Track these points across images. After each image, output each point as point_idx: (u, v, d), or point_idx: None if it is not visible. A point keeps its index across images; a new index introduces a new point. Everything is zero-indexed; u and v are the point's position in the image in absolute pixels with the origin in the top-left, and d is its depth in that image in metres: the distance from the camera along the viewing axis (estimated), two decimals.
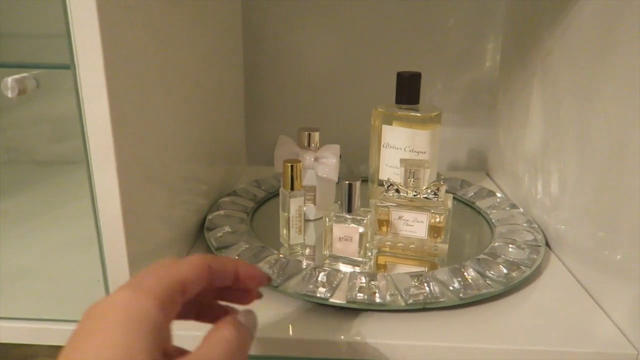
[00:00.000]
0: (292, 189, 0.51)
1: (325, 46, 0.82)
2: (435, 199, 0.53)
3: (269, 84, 0.85)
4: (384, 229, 0.55)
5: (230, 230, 0.55)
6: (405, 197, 0.54)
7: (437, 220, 0.53)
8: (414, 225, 0.54)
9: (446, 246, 0.54)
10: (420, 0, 0.79)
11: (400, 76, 0.61)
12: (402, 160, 0.55)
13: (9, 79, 0.38)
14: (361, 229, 0.49)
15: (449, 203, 0.53)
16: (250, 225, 0.59)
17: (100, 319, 0.25)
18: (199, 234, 0.58)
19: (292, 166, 0.50)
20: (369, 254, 0.52)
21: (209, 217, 0.58)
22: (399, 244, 0.55)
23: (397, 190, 0.54)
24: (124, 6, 0.37)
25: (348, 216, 0.49)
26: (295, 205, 0.51)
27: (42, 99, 0.77)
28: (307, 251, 0.54)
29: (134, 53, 0.39)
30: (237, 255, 0.50)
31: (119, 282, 0.40)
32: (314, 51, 0.83)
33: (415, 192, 0.53)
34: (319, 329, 0.42)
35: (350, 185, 0.48)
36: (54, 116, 0.80)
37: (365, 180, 0.69)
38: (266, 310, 0.44)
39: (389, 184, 0.54)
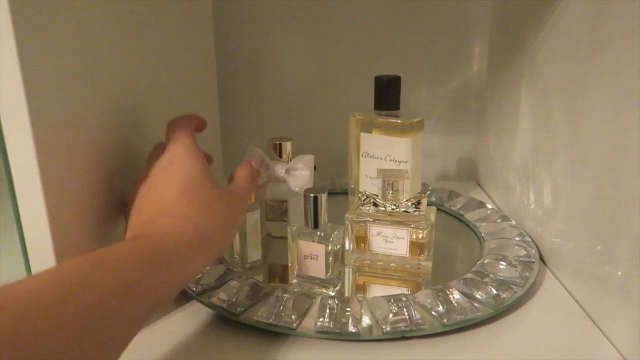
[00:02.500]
0: None
1: (301, 51, 0.78)
2: (417, 212, 0.48)
3: (243, 94, 0.80)
4: (362, 246, 0.50)
5: None
6: (384, 211, 0.49)
7: (420, 236, 0.48)
8: (393, 242, 0.49)
9: (430, 264, 0.49)
10: (402, 2, 0.75)
11: (379, 80, 0.56)
12: (380, 171, 0.50)
13: None
14: (329, 247, 0.44)
15: (432, 216, 0.49)
16: None
17: (172, 158, 0.38)
18: None
19: None
20: (340, 273, 0.47)
21: None
22: (378, 263, 0.50)
23: (375, 204, 0.49)
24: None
25: (314, 232, 0.44)
26: (251, 220, 0.46)
27: None
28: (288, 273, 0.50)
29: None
30: (199, 281, 0.45)
31: None
32: (291, 56, 0.78)
33: (395, 205, 0.49)
34: None
35: (315, 198, 0.43)
36: None
37: (345, 193, 0.65)
38: (225, 343, 0.39)
39: (365, 196, 0.50)
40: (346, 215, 0.50)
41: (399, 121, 0.55)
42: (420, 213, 0.48)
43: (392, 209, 0.49)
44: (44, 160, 0.32)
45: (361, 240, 0.50)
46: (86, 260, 0.27)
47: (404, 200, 0.48)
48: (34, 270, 0.34)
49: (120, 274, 0.28)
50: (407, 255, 0.49)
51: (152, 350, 0.39)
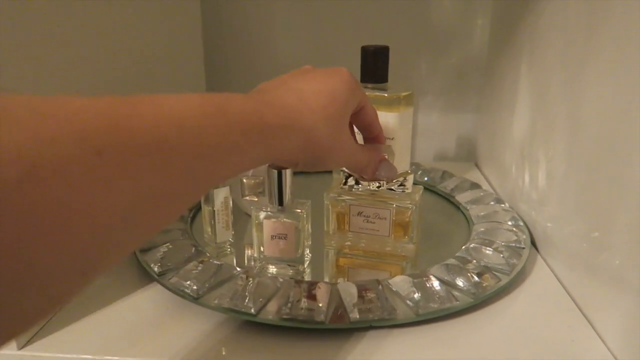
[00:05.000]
0: None
1: (292, 19, 0.74)
2: (401, 190, 0.45)
3: (231, 65, 0.77)
4: (343, 226, 0.47)
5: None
6: (367, 189, 0.46)
7: (403, 216, 0.45)
8: (375, 223, 0.46)
9: (414, 247, 0.46)
10: None
11: (365, 50, 0.52)
12: None
13: None
14: (297, 224, 0.41)
15: (417, 196, 0.45)
16: (192, 223, 0.52)
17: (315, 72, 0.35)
18: None
19: None
20: (308, 253, 0.44)
21: None
22: (361, 244, 0.47)
23: (357, 182, 0.46)
24: None
25: (280, 210, 0.41)
26: (221, 197, 0.43)
27: None
28: (250, 252, 0.47)
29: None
30: (161, 258, 0.42)
31: None
32: (280, 26, 0.74)
33: (379, 183, 0.46)
34: (244, 352, 0.34)
35: (280, 173, 0.40)
36: None
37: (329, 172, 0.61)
38: (184, 327, 0.37)
39: (347, 174, 0.46)
40: (325, 194, 0.47)
41: (386, 95, 0.52)
42: (406, 191, 0.45)
43: (377, 187, 0.45)
44: None
45: (342, 220, 0.47)
46: (209, 107, 0.24)
47: None
48: None
49: (232, 137, 0.25)
50: (390, 237, 0.46)
51: (112, 331, 0.36)
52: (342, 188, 0.47)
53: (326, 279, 0.44)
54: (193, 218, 0.53)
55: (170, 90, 0.61)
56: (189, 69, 0.68)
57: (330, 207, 0.47)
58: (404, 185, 0.45)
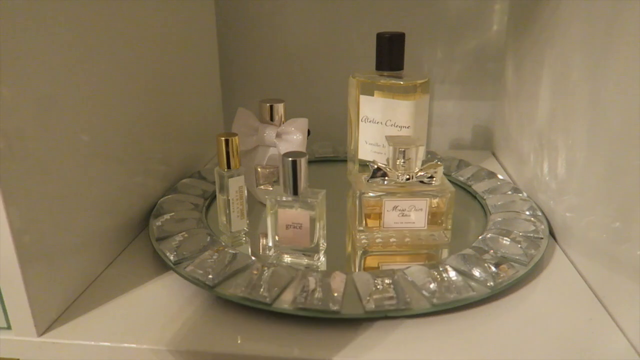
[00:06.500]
0: (228, 167, 0.43)
1: (304, 8, 0.73)
2: (431, 182, 0.44)
3: (244, 54, 0.76)
4: (374, 223, 0.45)
5: (174, 217, 0.47)
6: (396, 182, 0.45)
7: (439, 203, 0.44)
8: (411, 215, 0.44)
9: (449, 233, 0.45)
10: None
11: (381, 37, 0.52)
12: (389, 138, 0.46)
13: None
14: (312, 213, 0.40)
15: (448, 185, 0.45)
16: (206, 212, 0.52)
17: None
18: (147, 223, 0.50)
19: (226, 141, 0.42)
20: (323, 243, 0.43)
21: (160, 202, 0.51)
22: (391, 239, 0.46)
23: (384, 175, 0.45)
24: None
25: (294, 199, 0.41)
26: (235, 186, 0.43)
27: None
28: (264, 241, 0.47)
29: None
30: (177, 247, 0.42)
31: (12, 290, 0.33)
32: (292, 14, 0.74)
33: (408, 175, 0.44)
34: (260, 342, 0.35)
35: (294, 162, 0.39)
36: None
37: (345, 160, 0.61)
38: (200, 316, 0.37)
39: (375, 167, 0.45)
40: (356, 191, 0.44)
41: (402, 82, 0.51)
42: (436, 183, 0.44)
43: (407, 180, 0.44)
44: None
45: (375, 217, 0.45)
46: None
47: (417, 169, 0.44)
48: None
49: None
50: (425, 228, 0.45)
51: (129, 319, 0.37)
52: (369, 183, 0.45)
53: (342, 269, 0.44)
54: (208, 207, 0.53)
55: (186, 80, 0.61)
56: (204, 59, 0.68)
57: (360, 204, 0.44)
58: (433, 177, 0.44)
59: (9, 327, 0.35)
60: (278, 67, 0.76)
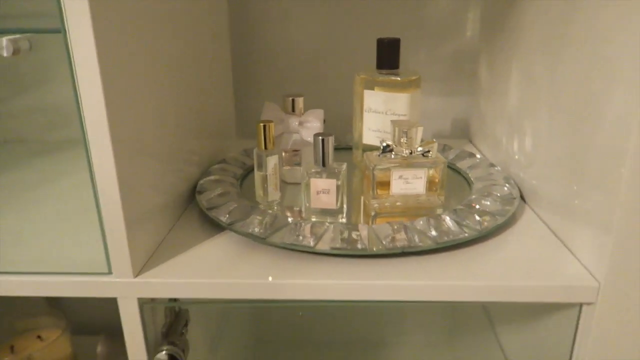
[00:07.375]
0: (265, 148, 0.53)
1: (311, 15, 0.84)
2: (428, 155, 0.55)
3: (255, 55, 0.87)
4: (383, 191, 0.56)
5: (220, 192, 0.57)
6: (401, 156, 0.56)
7: (434, 173, 0.55)
8: (413, 182, 0.56)
9: (442, 197, 0.56)
10: None
11: (380, 42, 0.63)
12: (394, 122, 0.57)
13: (4, 39, 0.40)
14: (338, 181, 0.51)
15: (440, 157, 0.56)
16: (240, 190, 0.62)
17: None
18: (191, 199, 0.60)
19: (264, 126, 0.53)
20: (345, 204, 0.54)
21: (200, 182, 0.61)
22: (397, 203, 0.57)
23: (391, 151, 0.56)
24: None
25: (324, 170, 0.51)
26: (272, 164, 0.54)
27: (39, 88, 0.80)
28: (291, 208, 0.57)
29: (122, 22, 0.42)
30: (227, 214, 0.52)
31: (117, 244, 0.43)
32: (301, 20, 0.85)
33: (410, 150, 0.55)
34: (308, 273, 0.45)
35: (323, 140, 0.50)
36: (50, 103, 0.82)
37: (348, 149, 0.72)
38: (257, 260, 0.47)
39: (385, 144, 0.56)
40: (370, 165, 0.55)
41: (399, 79, 0.62)
42: (432, 156, 0.55)
43: (410, 154, 0.55)
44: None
45: (385, 185, 0.56)
46: None
47: (417, 145, 0.55)
48: None
49: None
50: (424, 193, 0.56)
51: (200, 265, 0.47)
52: (379, 157, 0.56)
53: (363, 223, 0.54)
54: (240, 185, 0.63)
55: (210, 82, 0.70)
56: (220, 63, 0.78)
57: (374, 175, 0.55)
58: (430, 151, 0.55)
59: (109, 272, 0.44)
60: (285, 69, 0.87)
